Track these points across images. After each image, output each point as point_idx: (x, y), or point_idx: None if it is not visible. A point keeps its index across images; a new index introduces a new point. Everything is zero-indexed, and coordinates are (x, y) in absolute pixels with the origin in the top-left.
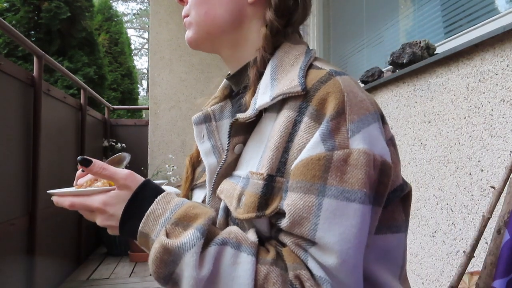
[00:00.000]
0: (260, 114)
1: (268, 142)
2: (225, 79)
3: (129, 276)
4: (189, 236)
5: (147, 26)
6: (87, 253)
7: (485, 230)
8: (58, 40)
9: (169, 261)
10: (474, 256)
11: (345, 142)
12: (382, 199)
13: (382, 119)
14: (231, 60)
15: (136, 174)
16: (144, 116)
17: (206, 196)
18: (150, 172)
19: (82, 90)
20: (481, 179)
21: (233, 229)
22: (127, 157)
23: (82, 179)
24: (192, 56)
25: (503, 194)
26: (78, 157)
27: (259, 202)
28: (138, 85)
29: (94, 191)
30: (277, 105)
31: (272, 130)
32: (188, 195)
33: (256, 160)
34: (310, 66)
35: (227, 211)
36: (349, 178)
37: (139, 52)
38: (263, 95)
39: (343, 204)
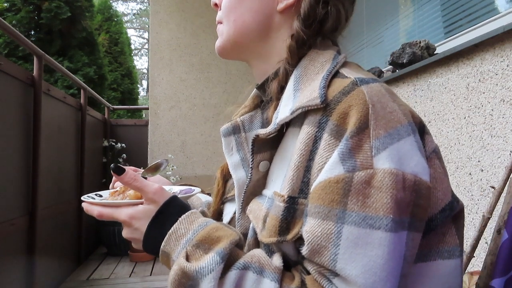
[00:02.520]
0: (284, 128)
1: (290, 161)
2: (255, 88)
3: (129, 276)
4: (208, 260)
5: (147, 26)
6: (87, 253)
7: (485, 230)
8: (59, 40)
9: (188, 285)
10: (474, 256)
11: (368, 162)
12: (420, 223)
13: (422, 130)
14: (258, 70)
15: (165, 190)
16: (144, 116)
17: (236, 212)
18: None
19: (82, 90)
20: (481, 179)
21: (256, 252)
22: (163, 163)
23: (118, 183)
24: (192, 56)
25: (503, 194)
26: (112, 165)
27: (280, 226)
28: (138, 85)
29: (123, 203)
30: (299, 119)
31: (294, 147)
32: (219, 209)
33: (281, 179)
34: (336, 75)
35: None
36: (373, 203)
37: (139, 52)
38: (285, 108)
39: (366, 232)
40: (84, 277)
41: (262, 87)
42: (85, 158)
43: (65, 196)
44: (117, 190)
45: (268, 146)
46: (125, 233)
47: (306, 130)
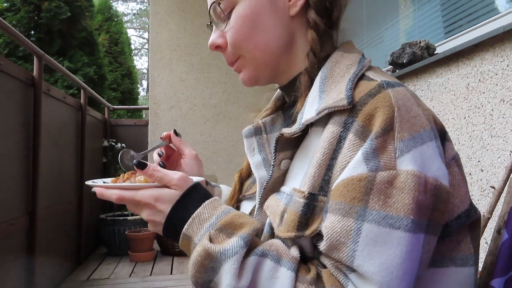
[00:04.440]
0: (307, 128)
1: (312, 158)
2: (278, 90)
3: (129, 276)
4: (232, 243)
5: (147, 26)
6: (87, 253)
7: (485, 230)
8: (58, 40)
9: (209, 267)
10: None
11: (391, 163)
12: (437, 227)
13: (443, 136)
14: (283, 74)
15: (188, 177)
16: (144, 116)
17: (255, 209)
18: None
19: (82, 90)
20: (481, 179)
21: (275, 241)
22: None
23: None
24: (192, 56)
25: (503, 194)
26: (134, 161)
27: (299, 222)
28: (138, 85)
29: (144, 186)
30: (323, 119)
31: (317, 146)
32: (235, 208)
33: (301, 176)
34: (361, 77)
35: (272, 227)
36: (394, 203)
37: (139, 52)
38: (310, 109)
39: (386, 231)
40: (84, 277)
41: (287, 88)
42: (85, 158)
43: (65, 196)
44: (118, 178)
45: (291, 145)
46: (146, 215)
47: (330, 130)
